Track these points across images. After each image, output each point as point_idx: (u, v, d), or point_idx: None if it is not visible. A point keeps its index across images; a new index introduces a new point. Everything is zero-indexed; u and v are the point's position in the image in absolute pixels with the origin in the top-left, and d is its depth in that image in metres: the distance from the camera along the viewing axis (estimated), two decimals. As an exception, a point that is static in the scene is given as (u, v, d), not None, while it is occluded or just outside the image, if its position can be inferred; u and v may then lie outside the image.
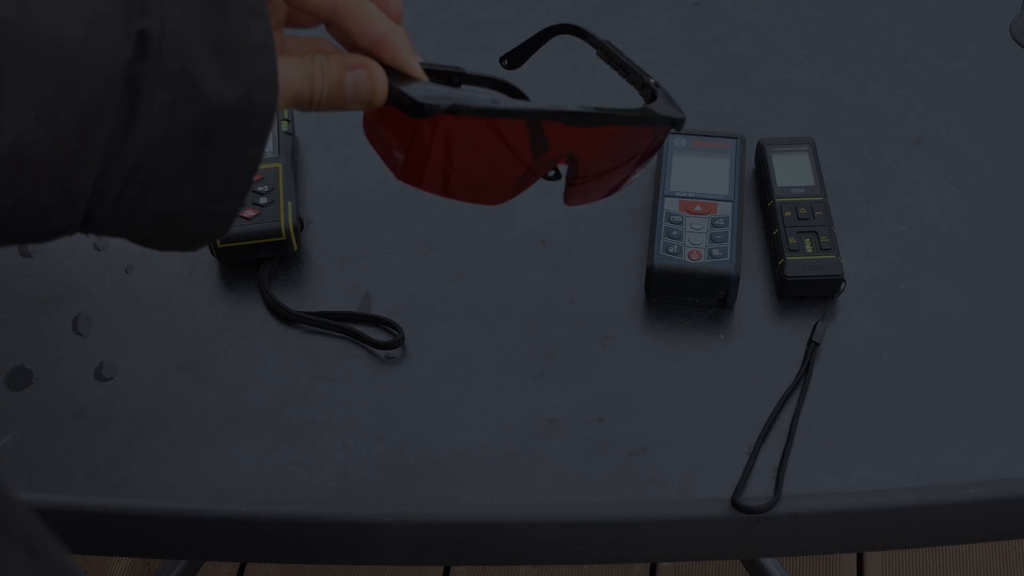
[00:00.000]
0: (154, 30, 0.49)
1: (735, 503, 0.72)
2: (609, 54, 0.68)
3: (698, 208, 0.85)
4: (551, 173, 0.64)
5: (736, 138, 0.91)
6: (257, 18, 0.52)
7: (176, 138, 0.50)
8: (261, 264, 0.87)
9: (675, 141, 0.91)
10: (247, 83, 0.51)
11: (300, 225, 0.88)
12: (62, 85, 0.47)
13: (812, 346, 0.80)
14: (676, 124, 0.65)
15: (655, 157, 0.90)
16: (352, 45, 0.59)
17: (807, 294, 0.84)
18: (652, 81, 0.66)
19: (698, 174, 0.88)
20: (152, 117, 0.49)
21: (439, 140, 0.58)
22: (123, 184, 0.50)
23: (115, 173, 0.50)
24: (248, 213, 0.86)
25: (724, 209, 0.85)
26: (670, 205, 0.86)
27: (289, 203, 0.87)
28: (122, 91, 0.48)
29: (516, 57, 0.72)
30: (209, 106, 0.50)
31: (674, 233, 0.84)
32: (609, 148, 0.64)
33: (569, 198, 0.66)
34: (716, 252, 0.82)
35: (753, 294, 0.85)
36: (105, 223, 0.52)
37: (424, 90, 0.57)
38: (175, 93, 0.49)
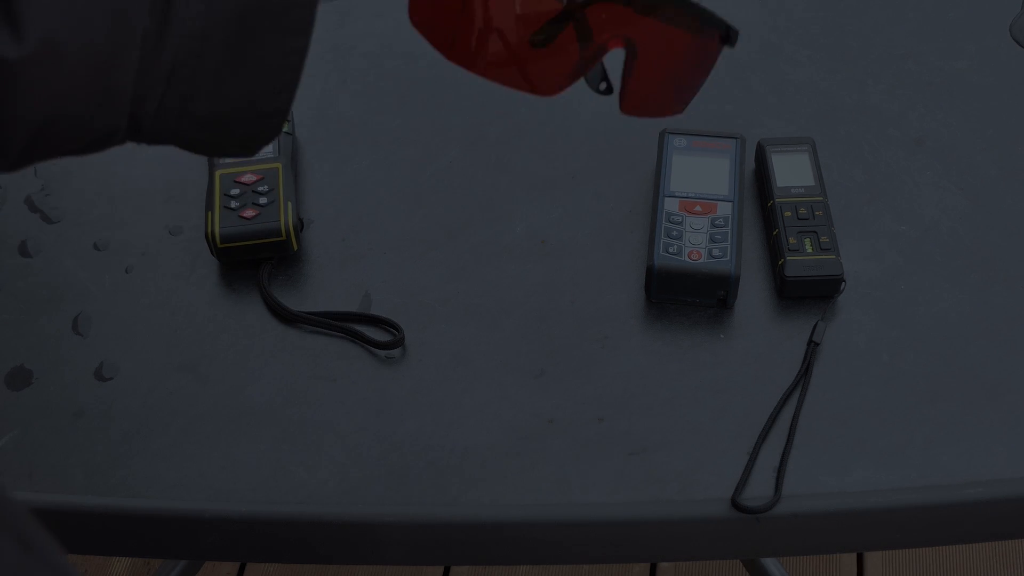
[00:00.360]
0: None
1: (735, 503, 0.72)
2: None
3: (698, 208, 0.85)
4: (603, 86, 0.64)
5: (736, 138, 0.91)
6: None
7: (215, 33, 0.49)
8: (261, 264, 0.87)
9: (675, 141, 0.91)
10: None
11: (300, 225, 0.88)
12: None
13: (812, 346, 0.80)
14: (731, 35, 0.63)
15: (656, 155, 0.90)
16: None
17: (807, 294, 0.84)
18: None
19: (698, 174, 0.88)
20: (188, 11, 0.49)
21: (489, 13, 0.58)
22: (166, 84, 0.49)
23: (156, 73, 0.49)
24: (248, 213, 0.86)
25: (724, 209, 0.85)
26: (670, 205, 0.86)
27: (289, 203, 0.87)
28: None
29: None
30: None
31: (674, 233, 0.84)
32: (660, 42, 0.62)
33: (625, 100, 0.65)
34: (716, 252, 0.82)
35: (753, 294, 0.85)
36: (154, 129, 0.51)
37: None
38: None
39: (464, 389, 0.80)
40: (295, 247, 0.87)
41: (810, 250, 0.84)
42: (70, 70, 0.47)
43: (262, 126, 0.54)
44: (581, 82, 0.65)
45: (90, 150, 0.51)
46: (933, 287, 0.85)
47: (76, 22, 0.46)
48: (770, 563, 1.45)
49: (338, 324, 0.83)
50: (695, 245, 0.83)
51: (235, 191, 0.87)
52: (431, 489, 0.74)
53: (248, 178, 0.88)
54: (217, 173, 0.89)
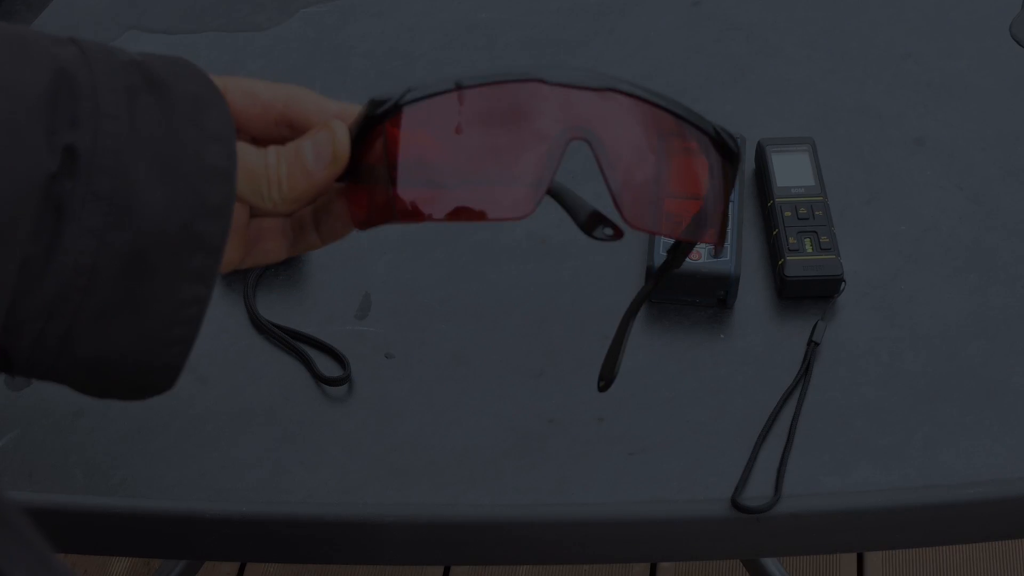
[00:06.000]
0: (84, 145, 0.44)
1: (735, 503, 0.72)
2: None
3: (698, 208, 0.85)
4: (607, 232, 0.57)
5: (736, 138, 0.91)
6: (217, 143, 0.47)
7: (105, 268, 0.44)
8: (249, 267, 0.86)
9: (675, 141, 0.91)
10: (192, 211, 0.46)
11: (300, 225, 0.88)
12: None
13: (812, 346, 0.80)
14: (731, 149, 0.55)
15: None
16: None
17: (807, 294, 0.83)
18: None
19: (698, 174, 0.88)
20: (78, 243, 0.44)
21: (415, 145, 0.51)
22: (46, 319, 0.44)
23: (34, 304, 0.44)
24: (248, 213, 0.86)
25: (724, 209, 0.85)
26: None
27: (289, 203, 0.86)
28: (42, 211, 0.43)
29: None
30: (145, 234, 0.45)
31: (674, 233, 0.83)
32: (625, 125, 0.54)
33: (623, 209, 0.56)
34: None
35: (753, 294, 0.85)
36: (27, 363, 0.46)
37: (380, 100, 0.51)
38: (105, 216, 0.44)
39: (464, 389, 0.80)
40: (295, 247, 0.86)
41: (810, 250, 0.84)
42: None
43: (150, 379, 0.49)
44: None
45: None
46: (933, 287, 0.85)
47: None
48: (770, 563, 1.45)
49: (293, 343, 0.82)
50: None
51: (235, 191, 0.87)
52: (431, 489, 0.74)
53: (248, 178, 0.88)
54: (217, 173, 0.89)
